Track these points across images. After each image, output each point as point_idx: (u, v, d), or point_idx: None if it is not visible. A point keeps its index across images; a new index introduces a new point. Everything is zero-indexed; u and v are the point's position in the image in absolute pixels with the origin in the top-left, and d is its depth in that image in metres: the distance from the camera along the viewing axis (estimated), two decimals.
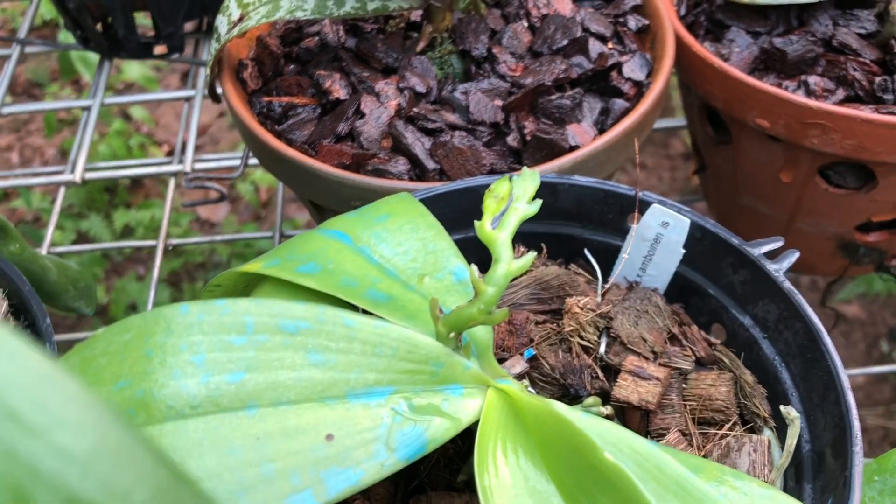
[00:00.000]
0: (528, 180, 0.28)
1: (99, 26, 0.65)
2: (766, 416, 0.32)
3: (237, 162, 0.63)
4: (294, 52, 0.45)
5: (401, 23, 0.44)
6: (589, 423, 0.26)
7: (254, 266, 0.32)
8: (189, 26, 0.66)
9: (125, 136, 1.34)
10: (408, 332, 0.27)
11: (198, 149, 1.32)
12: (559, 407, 0.27)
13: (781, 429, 0.32)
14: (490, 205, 0.28)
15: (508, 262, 0.26)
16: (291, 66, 0.44)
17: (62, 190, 0.59)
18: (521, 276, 0.37)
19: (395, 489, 0.30)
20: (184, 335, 0.25)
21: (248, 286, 0.35)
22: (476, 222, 0.27)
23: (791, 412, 0.31)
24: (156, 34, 0.65)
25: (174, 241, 0.57)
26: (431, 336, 0.28)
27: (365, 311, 0.29)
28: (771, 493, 0.26)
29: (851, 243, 0.47)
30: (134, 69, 1.35)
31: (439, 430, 0.25)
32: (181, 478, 0.14)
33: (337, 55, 0.43)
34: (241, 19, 0.41)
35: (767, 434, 0.32)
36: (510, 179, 0.29)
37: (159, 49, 0.66)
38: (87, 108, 0.64)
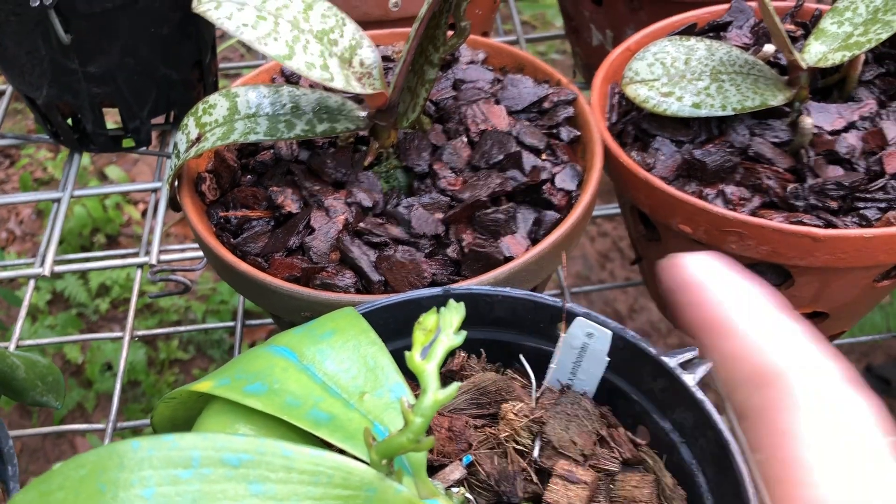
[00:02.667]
0: (453, 313, 0.31)
1: (69, 121, 0.68)
2: None
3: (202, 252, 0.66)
4: (250, 164, 0.48)
5: (350, 137, 0.47)
6: None
7: (204, 385, 0.34)
8: (155, 120, 0.69)
9: (100, 195, 1.36)
10: (342, 460, 0.29)
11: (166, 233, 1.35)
12: None
13: None
14: (419, 337, 0.31)
15: (435, 393, 0.29)
16: (248, 177, 0.47)
17: (31, 283, 0.61)
18: (461, 382, 0.39)
19: None
20: (135, 470, 0.27)
21: (202, 397, 0.37)
22: (406, 353, 0.30)
23: None
24: (123, 128, 0.68)
25: (140, 333, 0.60)
26: (366, 457, 0.30)
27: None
28: None
29: None
30: None
31: None
32: None
33: (290, 169, 0.46)
34: (198, 139, 0.44)
35: None
36: (437, 311, 0.31)
37: (127, 142, 0.69)
38: (57, 201, 0.66)
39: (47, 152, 1.54)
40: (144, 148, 0.69)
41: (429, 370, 0.30)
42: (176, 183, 0.47)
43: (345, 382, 0.35)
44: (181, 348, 1.21)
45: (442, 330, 0.31)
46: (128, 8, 0.59)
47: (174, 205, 0.47)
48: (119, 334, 0.58)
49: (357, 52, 0.44)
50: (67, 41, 0.58)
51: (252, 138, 0.43)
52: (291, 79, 0.53)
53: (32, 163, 1.55)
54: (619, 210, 0.69)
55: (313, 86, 0.49)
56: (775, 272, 0.46)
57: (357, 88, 0.42)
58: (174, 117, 0.71)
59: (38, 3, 0.55)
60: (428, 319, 0.31)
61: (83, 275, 1.23)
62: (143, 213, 1.38)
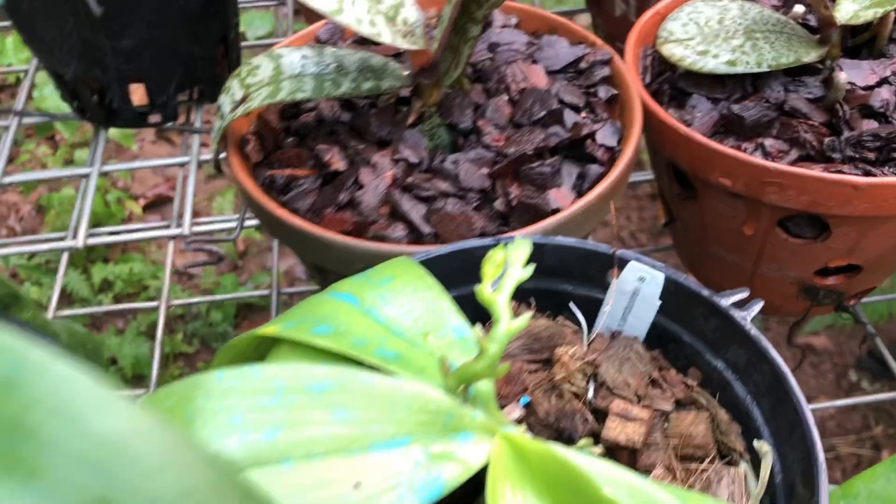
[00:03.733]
0: (520, 248, 0.32)
1: (94, 98, 0.68)
2: (741, 450, 0.35)
3: (231, 224, 0.66)
4: (292, 127, 0.48)
5: (391, 98, 0.48)
6: (586, 462, 0.29)
7: (272, 329, 0.35)
8: (181, 96, 0.70)
9: (102, 191, 1.36)
10: (420, 388, 0.30)
11: (169, 202, 1.35)
12: (560, 449, 0.30)
13: (755, 462, 0.35)
14: (488, 270, 0.31)
15: (508, 322, 0.30)
16: (290, 139, 0.48)
17: (65, 258, 0.61)
18: None
19: None
20: (221, 399, 0.28)
21: (261, 346, 0.38)
22: (476, 287, 0.31)
23: (763, 446, 0.34)
24: (150, 104, 0.68)
25: (176, 302, 0.60)
26: (439, 389, 0.31)
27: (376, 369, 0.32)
28: None
29: (812, 287, 0.51)
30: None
31: (453, 474, 0.28)
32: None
33: (333, 129, 0.47)
34: (244, 99, 0.45)
35: (743, 467, 0.35)
36: (504, 246, 0.32)
37: (153, 118, 0.69)
38: (86, 177, 0.66)
39: (47, 148, 1.53)
40: (171, 123, 0.69)
41: (500, 301, 0.30)
42: (217, 147, 0.47)
43: (407, 325, 0.35)
44: (185, 342, 1.21)
45: (510, 264, 0.32)
46: None
47: (218, 168, 0.48)
48: (155, 304, 0.59)
49: (400, 10, 0.44)
50: (99, 13, 0.59)
51: (299, 96, 0.44)
52: (327, 44, 0.53)
53: (32, 159, 1.55)
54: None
55: (352, 47, 0.50)
56: (812, 224, 0.47)
57: (403, 45, 0.42)
58: (199, 93, 0.72)
59: None
60: (496, 254, 0.32)
61: (85, 269, 1.23)
62: (144, 209, 1.37)
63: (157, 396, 0.28)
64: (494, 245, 0.40)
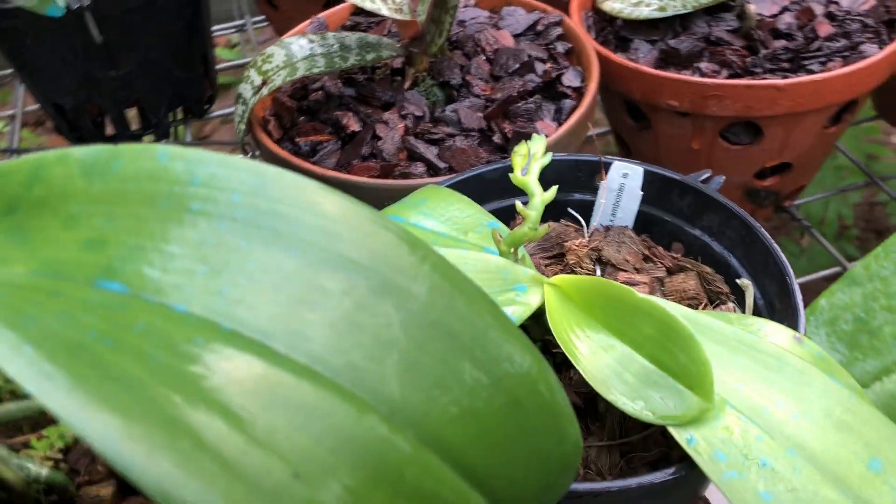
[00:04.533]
0: (538, 142, 0.40)
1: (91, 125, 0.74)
2: (727, 292, 0.44)
3: None
4: (304, 106, 0.56)
5: (386, 71, 0.56)
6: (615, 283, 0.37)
7: None
8: (170, 115, 0.76)
9: None
10: (482, 254, 0.38)
11: None
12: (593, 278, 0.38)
13: (740, 299, 0.44)
14: (517, 161, 0.40)
15: (540, 194, 0.38)
16: (303, 117, 0.55)
17: None
18: None
19: None
20: None
21: None
22: (510, 174, 0.39)
23: (745, 281, 0.43)
24: (143, 125, 0.75)
25: None
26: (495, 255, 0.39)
27: None
28: (748, 319, 0.38)
29: (753, 189, 0.61)
30: None
31: (518, 312, 0.36)
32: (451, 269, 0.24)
33: (342, 101, 0.54)
34: (263, 83, 0.52)
35: (731, 304, 0.44)
36: (526, 143, 0.40)
37: (148, 138, 0.75)
38: None
39: None
40: (164, 140, 0.76)
41: (531, 181, 0.39)
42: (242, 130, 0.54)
43: (449, 229, 0.43)
44: None
45: (533, 153, 0.40)
46: (149, 7, 0.66)
47: (243, 149, 0.55)
48: None
49: None
50: (100, 40, 0.65)
51: (315, 71, 0.51)
52: None
53: None
54: None
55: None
56: (748, 130, 0.56)
57: (398, 16, 0.51)
58: (184, 111, 0.78)
59: (77, 5, 0.62)
60: (521, 148, 0.40)
61: None
62: None
63: None
64: (501, 168, 0.48)
